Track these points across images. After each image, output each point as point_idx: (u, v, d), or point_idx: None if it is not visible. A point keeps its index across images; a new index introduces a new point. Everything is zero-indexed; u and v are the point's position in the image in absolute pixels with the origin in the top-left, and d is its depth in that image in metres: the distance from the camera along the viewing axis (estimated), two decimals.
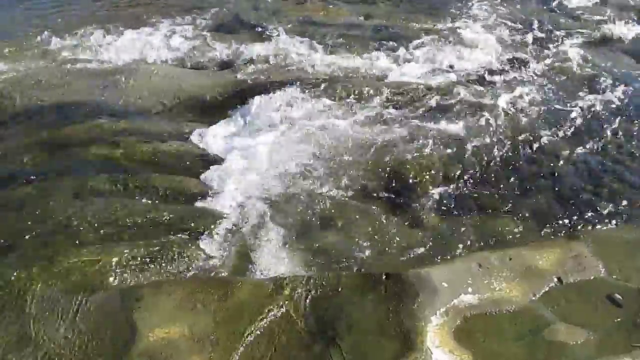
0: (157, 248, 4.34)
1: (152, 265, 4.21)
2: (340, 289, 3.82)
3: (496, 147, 5.80)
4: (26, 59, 7.61)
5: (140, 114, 6.41)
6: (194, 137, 5.89)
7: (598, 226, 4.79)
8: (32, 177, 5.25)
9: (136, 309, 3.70)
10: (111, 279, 4.08)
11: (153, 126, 6.12)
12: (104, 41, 8.06)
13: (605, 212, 5.00)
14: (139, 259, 4.23)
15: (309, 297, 3.78)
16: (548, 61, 7.64)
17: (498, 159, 5.66)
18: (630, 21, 8.88)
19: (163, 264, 4.24)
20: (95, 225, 4.60)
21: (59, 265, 4.15)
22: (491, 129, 6.05)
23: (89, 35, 8.18)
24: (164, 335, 3.53)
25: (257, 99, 6.37)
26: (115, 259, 4.19)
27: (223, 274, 4.22)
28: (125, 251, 4.27)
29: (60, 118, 6.27)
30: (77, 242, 4.41)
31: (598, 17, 9.02)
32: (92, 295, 3.85)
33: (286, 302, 3.75)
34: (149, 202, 4.93)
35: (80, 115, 6.28)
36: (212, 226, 4.62)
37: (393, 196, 5.14)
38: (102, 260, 4.18)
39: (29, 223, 4.65)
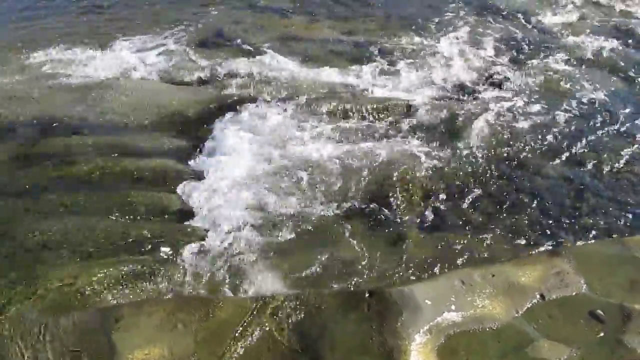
0: (137, 267, 4.28)
1: (132, 285, 4.15)
2: (323, 308, 3.78)
3: (478, 163, 5.84)
4: (4, 74, 7.50)
5: (120, 129, 6.34)
6: (175, 153, 5.84)
7: (579, 242, 4.84)
8: (8, 194, 5.15)
9: (115, 329, 3.62)
10: (90, 299, 4.01)
11: (134, 142, 6.06)
12: (84, 56, 7.98)
13: (586, 228, 5.05)
14: (118, 278, 4.17)
15: (292, 315, 3.74)
16: (528, 77, 7.72)
17: (480, 175, 5.69)
18: (609, 37, 9.03)
19: (143, 283, 4.17)
20: (74, 243, 4.53)
21: (36, 285, 4.06)
22: (472, 144, 6.10)
23: (69, 50, 8.10)
24: (144, 356, 3.46)
25: (239, 114, 6.36)
26: (94, 279, 4.12)
27: (204, 293, 4.16)
28: (105, 270, 4.20)
29: (38, 133, 6.19)
30: (55, 261, 4.34)
31: (577, 33, 9.16)
32: (71, 316, 3.77)
33: (268, 321, 3.70)
34: (129, 219, 4.87)
35: (59, 131, 6.22)
36: (194, 244, 4.57)
37: (375, 214, 5.14)
38: (81, 279, 4.11)
39: (5, 241, 4.56)
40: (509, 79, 7.65)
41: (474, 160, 5.88)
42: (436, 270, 4.45)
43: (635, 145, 6.28)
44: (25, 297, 3.94)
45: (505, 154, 6.03)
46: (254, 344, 3.59)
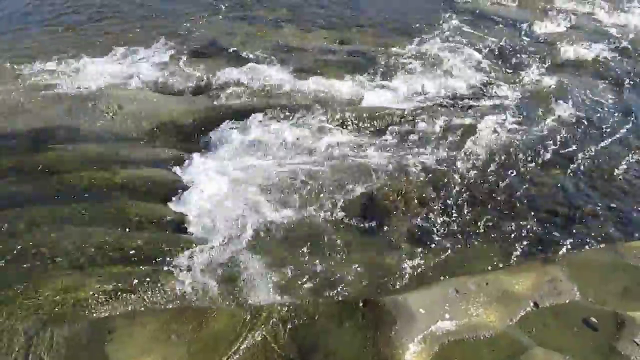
0: (131, 277, 4.26)
1: (126, 295, 4.12)
2: (317, 317, 3.78)
3: (471, 171, 5.87)
4: None
5: (114, 139, 6.33)
6: (170, 163, 5.83)
7: (572, 250, 4.85)
8: (1, 205, 5.13)
9: (108, 340, 3.61)
10: (83, 309, 3.98)
11: (128, 152, 6.05)
12: (78, 66, 7.96)
13: (579, 235, 5.07)
14: (111, 288, 4.14)
15: (286, 325, 3.73)
16: (520, 85, 7.79)
17: (473, 183, 5.71)
18: (601, 47, 9.12)
19: (137, 294, 4.15)
20: (68, 254, 4.51)
21: (29, 296, 4.04)
22: (466, 153, 6.13)
23: (63, 61, 8.09)
24: None
25: (232, 124, 6.37)
26: (87, 289, 4.10)
27: (198, 303, 4.15)
28: (98, 281, 4.18)
29: (32, 144, 6.17)
30: (48, 272, 4.32)
31: (570, 43, 9.23)
32: (64, 327, 3.75)
33: (263, 331, 3.70)
34: (123, 229, 4.86)
35: (53, 141, 6.19)
36: (187, 254, 4.56)
37: (370, 222, 5.15)
38: (75, 290, 4.08)
39: None
40: (502, 87, 7.69)
41: (467, 168, 5.91)
42: (430, 278, 4.45)
43: (628, 153, 6.32)
44: (19, 307, 3.92)
45: (498, 162, 6.06)
46: (248, 354, 3.58)
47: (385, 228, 5.09)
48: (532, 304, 4.00)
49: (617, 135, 6.66)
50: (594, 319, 3.87)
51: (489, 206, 5.43)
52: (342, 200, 5.36)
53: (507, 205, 5.45)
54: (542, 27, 9.95)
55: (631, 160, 6.21)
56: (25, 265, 4.39)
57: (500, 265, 4.62)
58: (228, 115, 6.64)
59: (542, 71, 8.24)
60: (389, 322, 3.71)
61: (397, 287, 4.39)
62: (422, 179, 5.70)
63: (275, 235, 4.90)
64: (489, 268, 4.56)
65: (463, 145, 6.26)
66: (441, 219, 5.23)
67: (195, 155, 5.91)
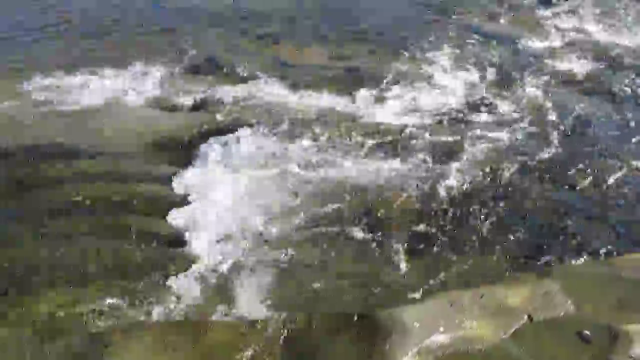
0: (128, 291, 4.28)
1: (123, 309, 4.15)
2: (313, 330, 3.80)
3: (466, 186, 5.91)
4: None
5: (112, 155, 6.36)
6: (166, 179, 5.87)
7: (567, 263, 4.87)
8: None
9: (105, 354, 3.62)
10: (80, 323, 4.00)
11: (126, 167, 6.08)
12: (77, 82, 8.02)
13: (574, 248, 5.10)
14: (108, 302, 4.17)
15: (282, 338, 3.74)
16: (517, 101, 7.83)
17: (469, 198, 5.75)
18: (594, 62, 9.20)
19: (134, 308, 4.17)
20: (65, 268, 4.54)
21: (26, 309, 4.06)
22: (461, 167, 6.17)
23: (61, 77, 8.14)
24: None
25: (231, 140, 6.41)
26: (84, 303, 4.12)
27: (195, 317, 4.16)
28: (95, 295, 4.20)
29: (31, 159, 6.19)
30: (45, 285, 4.34)
31: (563, 59, 9.32)
32: (60, 341, 3.76)
33: (259, 344, 3.71)
34: (120, 244, 4.88)
35: (52, 156, 6.22)
36: (184, 268, 4.59)
37: (366, 236, 5.17)
38: (71, 304, 4.11)
39: None
40: (498, 103, 7.75)
41: (462, 182, 5.95)
42: (425, 292, 4.47)
43: (622, 166, 6.37)
44: (16, 321, 3.94)
45: (494, 177, 6.10)
46: None
47: (381, 241, 5.12)
48: (526, 317, 4.01)
49: (611, 150, 6.71)
50: (588, 332, 3.88)
51: (485, 219, 5.46)
52: (339, 214, 5.39)
53: (503, 219, 5.48)
54: (536, 43, 10.01)
55: (625, 174, 6.25)
56: (22, 280, 4.41)
57: (495, 278, 4.64)
58: (226, 131, 6.68)
59: (536, 87, 8.30)
60: (384, 335, 3.73)
61: (392, 300, 4.40)
62: (417, 192, 5.74)
63: (271, 249, 4.93)
64: (484, 281, 4.58)
65: (458, 160, 6.31)
66: (436, 232, 5.26)
67: (193, 171, 5.95)
